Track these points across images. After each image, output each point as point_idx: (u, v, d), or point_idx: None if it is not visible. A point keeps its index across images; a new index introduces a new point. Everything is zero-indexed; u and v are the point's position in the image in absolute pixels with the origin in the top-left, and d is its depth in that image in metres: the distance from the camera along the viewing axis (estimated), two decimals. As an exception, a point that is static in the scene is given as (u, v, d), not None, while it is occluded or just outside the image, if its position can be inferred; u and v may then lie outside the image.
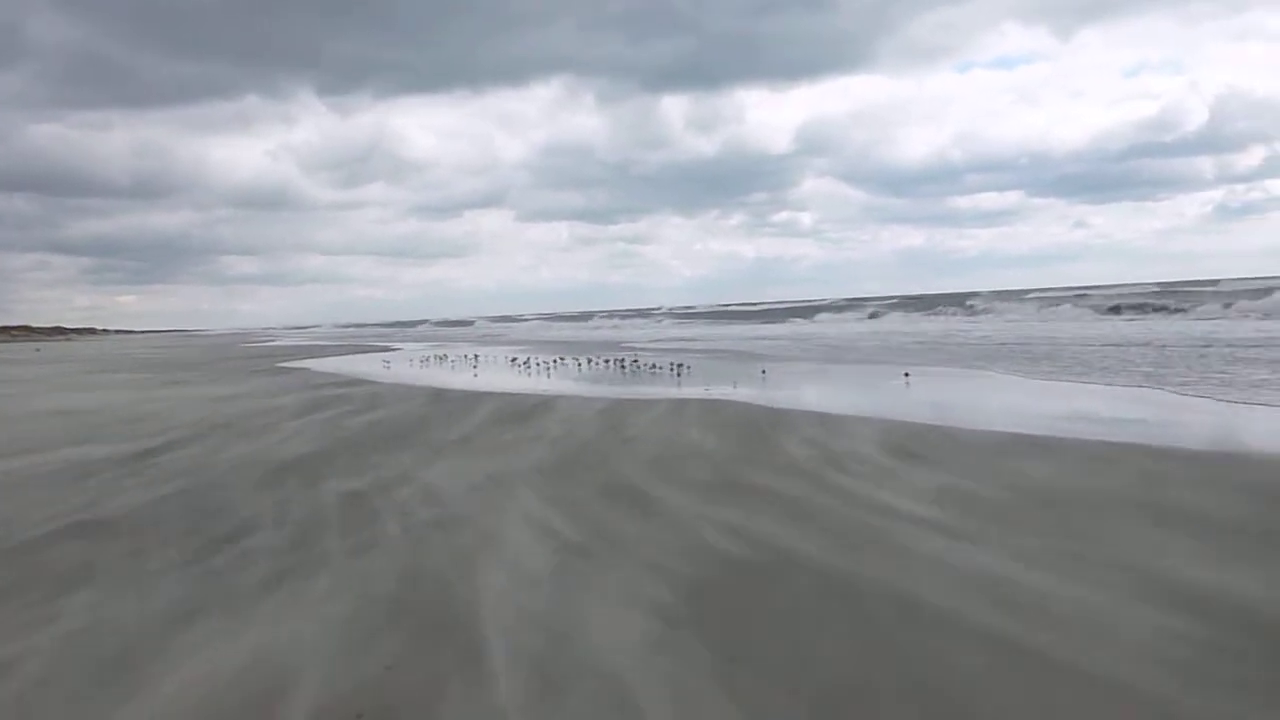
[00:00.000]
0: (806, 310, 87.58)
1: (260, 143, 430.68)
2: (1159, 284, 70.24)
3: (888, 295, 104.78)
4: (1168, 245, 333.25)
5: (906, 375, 18.54)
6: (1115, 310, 54.15)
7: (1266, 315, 42.11)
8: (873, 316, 73.45)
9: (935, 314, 67.42)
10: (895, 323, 62.50)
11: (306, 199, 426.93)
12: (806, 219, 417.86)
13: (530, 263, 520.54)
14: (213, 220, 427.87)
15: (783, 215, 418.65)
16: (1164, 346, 24.20)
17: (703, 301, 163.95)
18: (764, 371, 20.57)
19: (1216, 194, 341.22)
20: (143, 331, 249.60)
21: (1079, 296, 64.43)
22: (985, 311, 64.57)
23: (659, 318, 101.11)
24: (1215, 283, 63.37)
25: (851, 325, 61.28)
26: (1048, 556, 5.50)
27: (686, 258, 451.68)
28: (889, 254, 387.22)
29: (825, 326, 61.98)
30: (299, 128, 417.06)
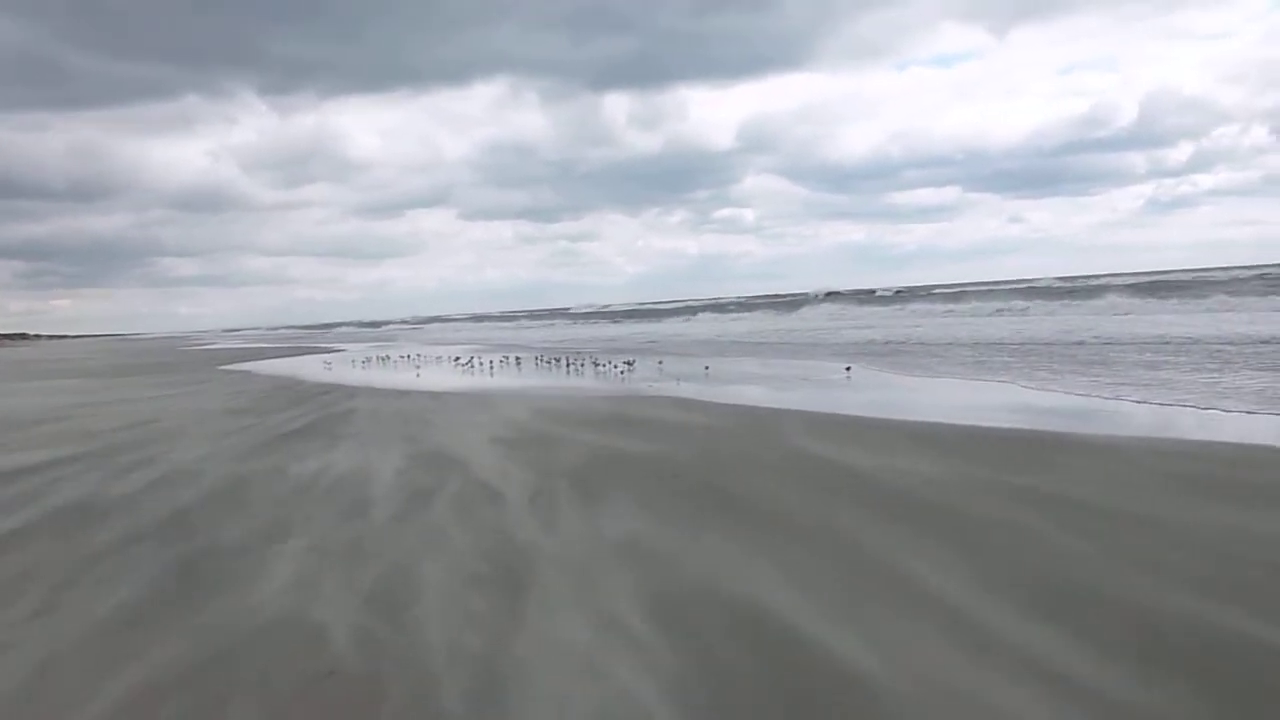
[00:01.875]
0: (693, 309, 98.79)
1: (200, 143, 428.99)
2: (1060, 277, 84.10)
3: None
4: (1100, 239, 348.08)
5: (630, 363, 28.15)
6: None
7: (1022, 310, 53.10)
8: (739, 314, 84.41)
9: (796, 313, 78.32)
10: (754, 322, 72.94)
11: (248, 200, 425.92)
12: (749, 215, 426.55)
13: (473, 261, 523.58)
14: (151, 222, 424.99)
15: (725, 212, 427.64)
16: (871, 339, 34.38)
17: (646, 298, 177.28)
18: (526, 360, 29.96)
19: (1147, 188, 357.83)
20: (77, 336, 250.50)
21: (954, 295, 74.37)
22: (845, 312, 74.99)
23: (569, 319, 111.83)
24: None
25: (716, 325, 71.45)
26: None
27: (629, 255, 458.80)
28: (831, 249, 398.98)
29: (693, 326, 72.30)
30: (240, 128, 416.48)
